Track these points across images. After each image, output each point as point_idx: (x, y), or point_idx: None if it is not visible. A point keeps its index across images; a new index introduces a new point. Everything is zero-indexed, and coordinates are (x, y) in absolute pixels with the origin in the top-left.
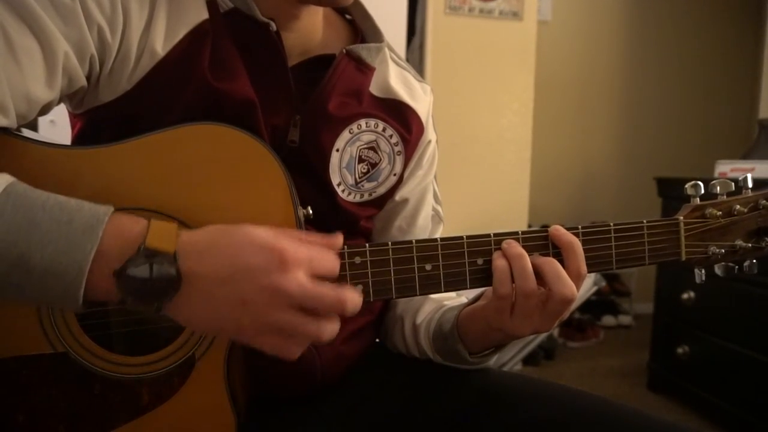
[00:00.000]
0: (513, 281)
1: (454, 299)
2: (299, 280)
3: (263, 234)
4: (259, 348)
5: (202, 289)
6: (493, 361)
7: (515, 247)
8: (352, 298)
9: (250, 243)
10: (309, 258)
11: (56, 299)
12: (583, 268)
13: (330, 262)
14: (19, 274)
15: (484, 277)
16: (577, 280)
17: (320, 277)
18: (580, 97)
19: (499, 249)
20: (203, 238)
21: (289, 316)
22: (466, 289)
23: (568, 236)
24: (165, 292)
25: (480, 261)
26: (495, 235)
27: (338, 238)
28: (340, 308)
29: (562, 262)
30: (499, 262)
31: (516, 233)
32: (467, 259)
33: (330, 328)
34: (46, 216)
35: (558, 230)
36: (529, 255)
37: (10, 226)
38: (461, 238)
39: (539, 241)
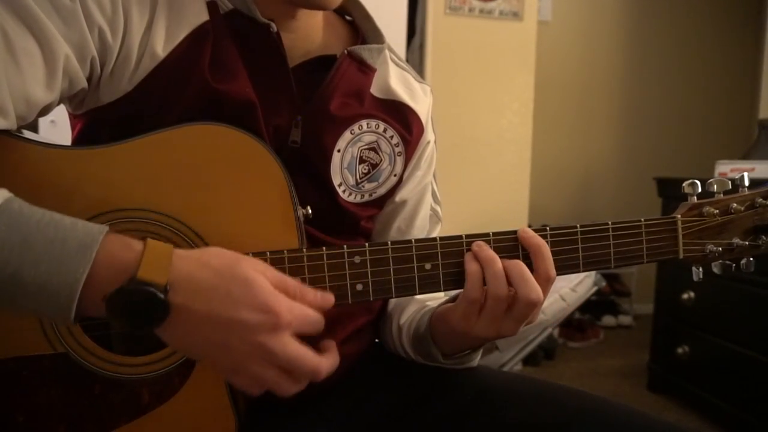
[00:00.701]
0: (484, 284)
1: (437, 299)
2: (286, 343)
3: (264, 289)
4: (230, 382)
5: (190, 323)
6: (476, 362)
7: (486, 251)
8: (328, 365)
9: (250, 298)
10: (299, 320)
11: (49, 315)
12: (552, 271)
13: (314, 324)
14: (12, 291)
15: None
16: (546, 283)
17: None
18: (580, 97)
19: (470, 251)
20: (202, 277)
21: (265, 370)
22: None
23: (536, 239)
24: (152, 320)
25: None
26: (494, 234)
27: (330, 298)
28: (314, 377)
29: (530, 265)
30: (471, 266)
31: (487, 235)
32: (466, 257)
33: (296, 388)
34: (40, 235)
35: (526, 232)
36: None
37: (4, 245)
38: (460, 237)
39: (509, 243)
